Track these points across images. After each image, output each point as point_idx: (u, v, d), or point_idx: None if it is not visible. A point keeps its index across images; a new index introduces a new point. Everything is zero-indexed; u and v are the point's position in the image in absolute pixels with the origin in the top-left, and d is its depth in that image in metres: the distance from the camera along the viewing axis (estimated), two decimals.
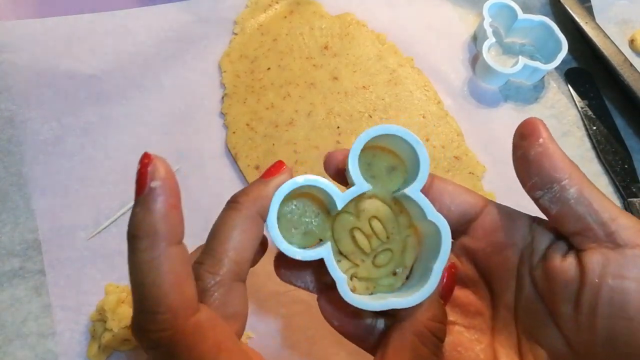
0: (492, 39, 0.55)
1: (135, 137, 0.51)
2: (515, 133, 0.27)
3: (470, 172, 0.50)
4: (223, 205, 0.49)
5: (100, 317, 0.42)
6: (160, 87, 0.54)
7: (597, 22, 0.57)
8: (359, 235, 0.28)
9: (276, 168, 0.27)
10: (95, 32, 0.55)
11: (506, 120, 0.55)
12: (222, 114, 0.53)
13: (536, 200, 0.26)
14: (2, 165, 0.48)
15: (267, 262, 0.47)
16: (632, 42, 0.60)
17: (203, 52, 0.56)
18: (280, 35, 0.57)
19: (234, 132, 0.51)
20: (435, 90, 0.55)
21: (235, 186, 0.50)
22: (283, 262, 0.30)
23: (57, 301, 0.44)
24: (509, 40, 0.59)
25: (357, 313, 0.28)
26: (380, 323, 0.28)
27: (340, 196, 0.26)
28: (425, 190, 0.27)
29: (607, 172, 0.52)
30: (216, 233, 0.26)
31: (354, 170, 0.27)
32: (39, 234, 0.47)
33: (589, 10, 0.59)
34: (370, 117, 0.52)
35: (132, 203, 0.48)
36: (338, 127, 0.51)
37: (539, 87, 0.57)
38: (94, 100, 0.52)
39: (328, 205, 0.28)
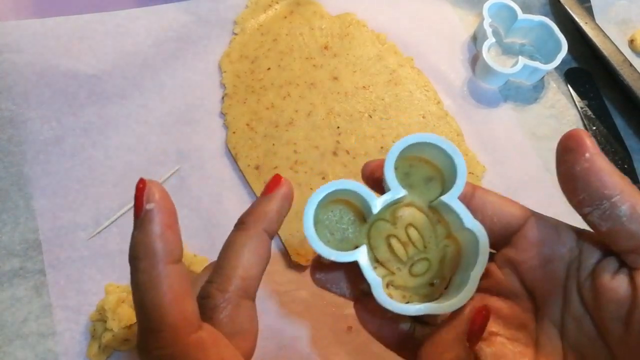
0: (491, 39, 0.55)
1: (135, 137, 0.51)
2: (558, 146, 0.25)
3: (470, 172, 0.50)
4: (223, 205, 0.50)
5: (101, 317, 0.42)
6: (160, 87, 0.54)
7: (597, 22, 0.57)
8: (395, 243, 0.27)
9: (274, 183, 0.28)
10: (95, 32, 0.55)
11: (506, 120, 0.55)
12: (222, 114, 0.53)
13: (584, 216, 0.25)
14: (2, 165, 0.48)
15: None
16: (631, 42, 0.60)
17: (203, 52, 0.56)
18: (280, 35, 0.57)
19: (234, 132, 0.51)
20: (435, 90, 0.55)
21: (235, 186, 0.50)
22: (319, 268, 0.30)
23: (57, 301, 0.44)
24: (508, 40, 0.59)
25: (394, 319, 0.28)
26: (419, 330, 0.28)
27: (376, 201, 0.26)
28: (467, 201, 0.27)
29: None
30: (225, 253, 0.26)
31: (389, 175, 0.27)
32: (39, 233, 0.47)
33: (589, 10, 0.59)
34: (370, 117, 0.52)
35: (132, 203, 0.48)
36: (338, 127, 0.51)
37: (539, 87, 0.57)
38: (94, 100, 0.52)
39: (364, 212, 0.28)
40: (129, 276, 0.45)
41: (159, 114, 0.53)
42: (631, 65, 0.53)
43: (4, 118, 0.50)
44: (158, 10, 0.58)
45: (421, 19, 0.61)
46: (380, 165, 0.28)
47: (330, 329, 0.44)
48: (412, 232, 0.27)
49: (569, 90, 0.57)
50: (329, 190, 0.26)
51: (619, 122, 0.55)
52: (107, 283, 0.44)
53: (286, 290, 0.45)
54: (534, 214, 0.27)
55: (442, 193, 0.27)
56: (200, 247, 0.47)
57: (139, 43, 0.56)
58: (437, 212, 0.28)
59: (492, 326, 0.27)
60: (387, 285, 0.27)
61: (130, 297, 0.42)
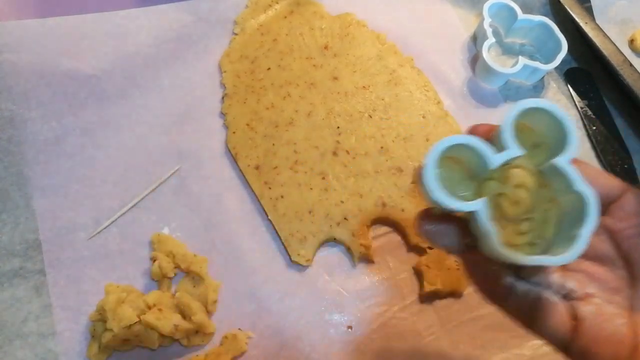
0: (491, 39, 0.55)
1: (135, 137, 0.51)
2: None
3: None
4: (223, 205, 0.50)
5: (101, 317, 0.42)
6: (160, 87, 0.54)
7: (597, 22, 0.57)
8: (504, 201, 0.28)
9: None
10: (95, 32, 0.55)
11: None
12: (222, 114, 0.53)
13: None
14: (3, 165, 0.48)
15: (267, 262, 0.48)
16: (631, 42, 0.60)
17: (203, 52, 0.56)
18: (280, 35, 0.57)
19: (234, 132, 0.51)
20: (435, 90, 0.55)
21: (235, 186, 0.50)
22: (427, 220, 0.30)
23: (57, 301, 0.44)
24: (508, 40, 0.59)
25: (498, 273, 0.29)
26: (521, 285, 0.28)
27: (493, 158, 0.27)
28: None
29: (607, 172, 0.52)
30: None
31: (507, 135, 0.27)
32: (39, 233, 0.47)
33: (589, 10, 0.59)
34: (370, 117, 0.52)
35: (132, 203, 0.48)
36: (338, 127, 0.51)
37: (539, 87, 0.57)
38: (94, 100, 0.52)
39: (475, 169, 0.29)
40: (128, 276, 0.46)
41: (159, 113, 0.53)
42: (631, 65, 0.53)
43: (4, 118, 0.50)
44: (158, 10, 0.58)
45: (421, 18, 0.61)
46: (492, 128, 0.29)
47: (331, 328, 0.44)
48: (521, 192, 0.28)
49: (569, 90, 0.57)
50: (449, 144, 0.27)
51: (619, 122, 0.55)
52: (107, 283, 0.44)
53: (287, 290, 0.45)
54: (632, 188, 0.29)
55: (549, 159, 0.28)
56: (200, 247, 0.47)
57: (138, 43, 0.56)
58: (542, 177, 0.29)
59: (589, 288, 0.28)
60: None
61: (130, 297, 0.42)
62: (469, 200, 0.28)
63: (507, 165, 0.28)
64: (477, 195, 0.28)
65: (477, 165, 0.28)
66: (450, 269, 0.45)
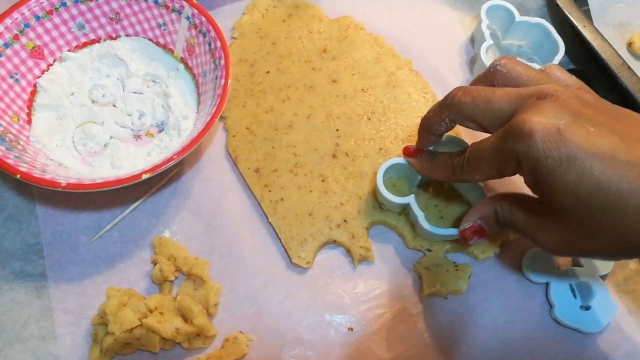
0: (489, 41, 0.55)
1: None
2: None
3: None
4: (223, 208, 0.50)
5: (102, 321, 0.42)
6: None
7: (595, 25, 0.57)
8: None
9: None
10: None
11: None
12: (222, 118, 0.53)
13: None
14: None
15: (267, 265, 0.48)
16: (630, 45, 0.60)
17: None
18: (279, 38, 0.57)
19: (233, 136, 0.51)
20: (434, 92, 0.55)
21: (236, 189, 0.50)
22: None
23: (58, 304, 0.44)
24: (506, 42, 0.59)
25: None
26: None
27: (414, 177, 0.46)
28: None
29: None
30: None
31: (385, 193, 0.45)
32: (41, 237, 0.47)
33: (587, 13, 0.59)
34: (369, 119, 0.52)
35: (132, 206, 0.48)
36: (337, 130, 0.51)
37: None
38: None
39: (411, 177, 0.47)
40: (129, 280, 0.46)
41: None
42: (629, 68, 0.53)
43: None
44: None
45: (419, 21, 0.61)
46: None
47: (332, 330, 0.44)
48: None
49: None
50: (390, 164, 0.45)
51: None
52: (108, 287, 0.44)
53: (287, 292, 0.46)
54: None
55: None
56: (201, 249, 0.47)
57: None
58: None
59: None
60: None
61: (131, 300, 0.42)
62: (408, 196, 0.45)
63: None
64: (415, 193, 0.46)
65: (411, 174, 0.46)
66: (449, 270, 0.45)
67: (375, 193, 0.48)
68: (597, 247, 0.31)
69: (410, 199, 0.44)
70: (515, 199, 0.36)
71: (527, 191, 0.34)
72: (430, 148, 0.43)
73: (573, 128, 0.30)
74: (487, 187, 0.49)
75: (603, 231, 0.30)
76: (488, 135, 0.35)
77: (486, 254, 0.46)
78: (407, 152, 0.44)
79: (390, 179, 0.47)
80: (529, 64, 0.35)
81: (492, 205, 0.37)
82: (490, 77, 0.37)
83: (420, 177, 0.45)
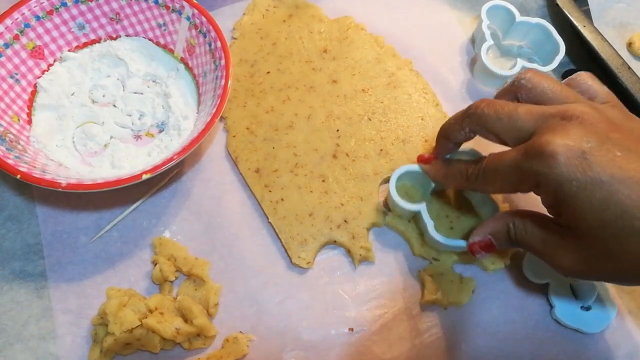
0: (490, 41, 0.55)
1: None
2: None
3: None
4: (224, 209, 0.50)
5: (102, 321, 0.42)
6: None
7: (595, 25, 0.57)
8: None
9: None
10: None
11: None
12: (222, 118, 0.53)
13: None
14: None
15: (267, 265, 0.47)
16: (630, 45, 0.60)
17: None
18: (279, 39, 0.57)
19: (234, 136, 0.51)
20: (434, 92, 0.55)
21: (236, 189, 0.50)
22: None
23: (58, 304, 0.44)
24: (506, 42, 0.59)
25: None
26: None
27: (428, 185, 0.46)
28: None
29: None
30: None
31: (397, 198, 0.45)
32: (41, 237, 0.47)
33: (587, 13, 0.59)
34: (370, 119, 0.52)
35: (133, 206, 0.48)
36: (337, 130, 0.51)
37: None
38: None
39: (424, 185, 0.46)
40: (130, 280, 0.46)
41: None
42: (629, 68, 0.53)
43: None
44: None
45: (419, 21, 0.61)
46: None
47: (332, 330, 0.44)
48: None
49: None
50: (404, 171, 0.45)
51: None
52: (108, 287, 0.44)
53: (287, 293, 0.46)
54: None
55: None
56: (201, 249, 0.47)
57: None
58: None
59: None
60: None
61: (132, 300, 0.42)
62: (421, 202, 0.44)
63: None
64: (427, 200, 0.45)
65: (424, 182, 0.46)
66: (453, 281, 0.45)
67: (385, 197, 0.48)
68: (618, 271, 0.31)
69: (422, 207, 0.44)
70: (529, 217, 0.35)
71: (540, 206, 0.34)
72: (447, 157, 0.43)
73: (599, 152, 0.29)
74: (500, 199, 0.48)
75: (626, 256, 0.29)
76: (506, 148, 0.35)
77: (496, 265, 0.46)
78: (421, 159, 0.44)
79: (403, 185, 0.47)
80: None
81: (504, 221, 0.36)
82: (514, 91, 0.37)
83: (433, 186, 0.45)
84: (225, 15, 0.59)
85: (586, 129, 0.31)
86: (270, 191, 0.48)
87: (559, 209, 0.32)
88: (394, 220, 0.47)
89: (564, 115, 0.32)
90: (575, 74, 0.37)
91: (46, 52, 0.50)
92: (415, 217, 0.46)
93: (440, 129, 0.41)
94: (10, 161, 0.41)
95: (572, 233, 0.32)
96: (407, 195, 0.47)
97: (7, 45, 0.47)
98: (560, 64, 0.54)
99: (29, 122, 0.49)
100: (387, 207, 0.48)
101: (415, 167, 0.45)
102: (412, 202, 0.45)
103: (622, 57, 0.54)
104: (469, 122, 0.37)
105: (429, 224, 0.43)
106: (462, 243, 0.42)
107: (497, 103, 0.35)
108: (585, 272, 0.32)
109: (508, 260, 0.46)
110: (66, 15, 0.50)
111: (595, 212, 0.29)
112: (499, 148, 0.37)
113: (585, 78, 0.37)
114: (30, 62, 0.49)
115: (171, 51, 0.53)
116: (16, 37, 0.48)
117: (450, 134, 0.40)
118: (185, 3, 0.50)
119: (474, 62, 0.58)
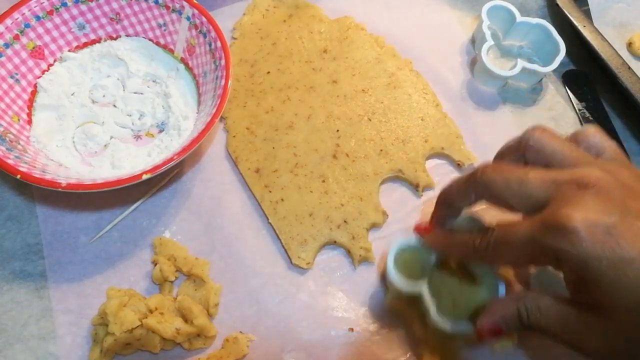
0: (490, 42, 0.55)
1: None
2: None
3: None
4: (224, 209, 0.50)
5: (102, 321, 0.42)
6: None
7: (595, 25, 0.57)
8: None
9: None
10: None
11: (504, 122, 0.55)
12: (222, 118, 0.53)
13: None
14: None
15: (267, 265, 0.47)
16: (630, 45, 0.60)
17: None
18: (279, 39, 0.57)
19: (234, 136, 0.51)
20: (434, 92, 0.55)
21: (236, 189, 0.50)
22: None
23: (58, 305, 0.44)
24: (507, 42, 0.59)
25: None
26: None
27: (428, 259, 0.41)
28: None
29: None
30: None
31: (393, 275, 0.40)
32: (41, 237, 0.47)
33: (587, 14, 0.59)
34: (370, 120, 0.52)
35: (133, 206, 0.48)
36: (337, 130, 0.51)
37: (537, 90, 0.57)
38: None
39: (425, 259, 0.41)
40: (130, 280, 0.46)
41: None
42: (629, 68, 0.53)
43: None
44: None
45: (419, 21, 0.61)
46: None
47: (332, 330, 0.44)
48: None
49: (567, 93, 0.57)
50: (400, 246, 0.41)
51: (617, 124, 0.55)
52: (108, 287, 0.44)
53: (287, 293, 0.46)
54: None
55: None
56: (201, 250, 0.47)
57: None
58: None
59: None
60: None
61: (132, 300, 0.42)
62: (422, 279, 0.40)
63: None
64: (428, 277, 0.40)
65: (423, 254, 0.41)
66: (451, 350, 0.43)
67: (382, 271, 0.45)
68: None
69: (423, 288, 0.39)
70: (542, 297, 0.33)
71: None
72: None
73: (623, 226, 0.28)
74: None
75: None
76: (513, 214, 0.34)
77: (504, 345, 0.40)
78: (419, 229, 0.40)
79: (402, 253, 0.41)
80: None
81: (514, 304, 0.33)
82: (521, 150, 0.35)
83: (433, 258, 0.41)
84: (225, 15, 0.59)
85: (604, 200, 0.29)
86: (270, 191, 0.48)
87: (584, 287, 0.30)
88: (393, 302, 0.44)
89: (579, 183, 0.30)
90: (582, 128, 0.35)
91: (46, 52, 0.51)
92: (416, 296, 0.41)
93: (441, 194, 0.38)
94: (10, 161, 0.41)
95: (597, 313, 0.29)
96: (405, 266, 0.41)
97: (7, 45, 0.47)
98: (561, 64, 0.54)
99: (29, 122, 0.49)
100: (385, 281, 0.45)
101: (413, 240, 0.41)
102: (411, 274, 0.41)
103: (622, 57, 0.54)
104: (474, 188, 0.35)
105: (431, 308, 0.39)
106: (468, 328, 0.38)
107: (504, 169, 0.33)
108: (621, 355, 0.30)
109: (516, 340, 0.42)
110: (66, 15, 0.50)
111: (629, 291, 0.27)
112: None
113: (593, 133, 0.35)
114: (31, 62, 0.49)
115: (171, 51, 0.53)
116: (16, 37, 0.48)
117: (454, 201, 0.37)
118: (185, 3, 0.50)
119: (474, 62, 0.58)
